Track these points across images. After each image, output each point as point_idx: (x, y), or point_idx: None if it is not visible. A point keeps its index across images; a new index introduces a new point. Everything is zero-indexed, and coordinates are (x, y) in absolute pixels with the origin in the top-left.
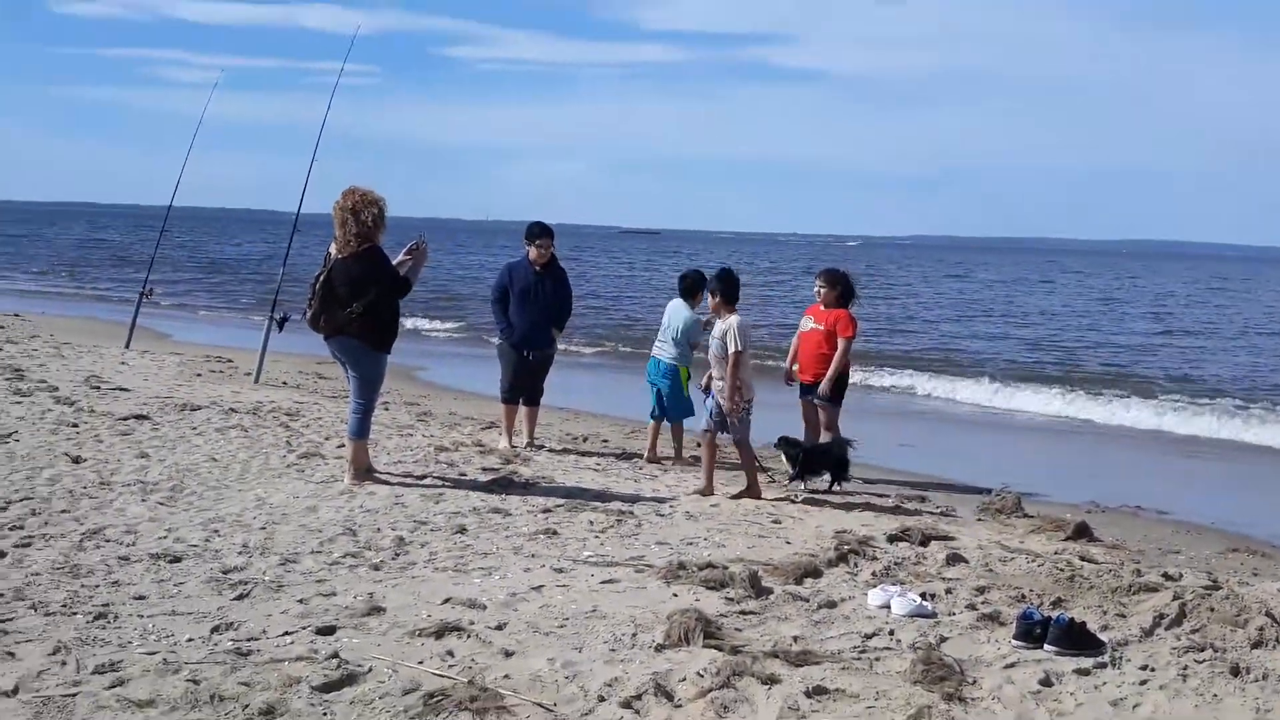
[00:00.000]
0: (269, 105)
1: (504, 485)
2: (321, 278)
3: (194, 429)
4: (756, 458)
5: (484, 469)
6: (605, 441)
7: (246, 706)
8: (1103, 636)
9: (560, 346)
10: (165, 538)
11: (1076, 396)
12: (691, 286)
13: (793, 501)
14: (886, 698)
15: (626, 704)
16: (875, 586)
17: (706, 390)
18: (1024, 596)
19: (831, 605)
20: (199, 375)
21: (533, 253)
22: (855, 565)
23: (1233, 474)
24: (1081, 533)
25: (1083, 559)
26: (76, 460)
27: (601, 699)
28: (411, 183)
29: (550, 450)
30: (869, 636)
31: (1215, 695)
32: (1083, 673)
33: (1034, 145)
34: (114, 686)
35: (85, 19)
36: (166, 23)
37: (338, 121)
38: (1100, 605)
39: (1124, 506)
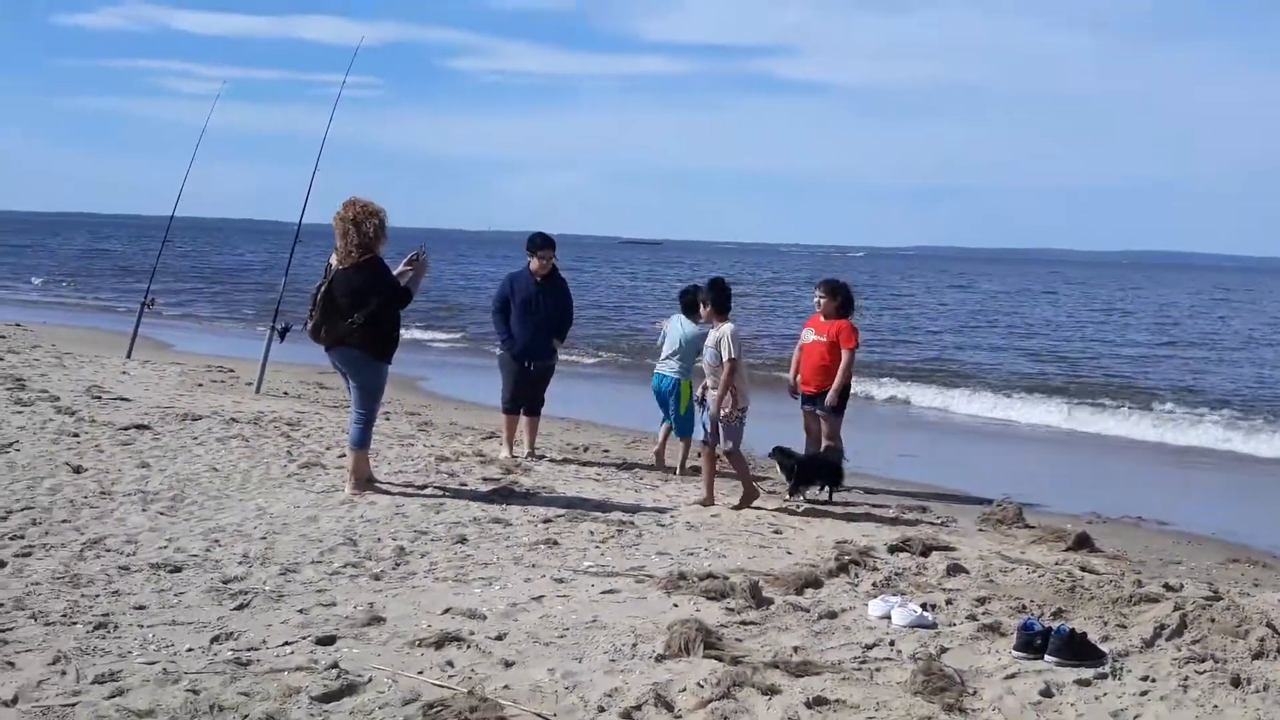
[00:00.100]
0: (271, 116)
1: (505, 495)
2: (322, 288)
3: (195, 439)
4: (748, 463)
5: (485, 479)
6: (606, 452)
7: (246, 716)
8: (1104, 647)
9: (561, 357)
10: (166, 547)
11: (1078, 407)
12: (694, 302)
13: (793, 513)
14: (887, 708)
15: (626, 715)
16: (876, 597)
17: (702, 401)
18: (1025, 607)
19: (832, 616)
20: (200, 385)
21: (534, 264)
22: (856, 576)
23: (1234, 485)
24: (1082, 543)
25: (1084, 569)
26: (77, 470)
27: (601, 709)
28: (413, 193)
29: (551, 460)
30: (870, 647)
31: (1216, 706)
32: (1083, 683)
33: (1038, 157)
34: (114, 696)
35: (88, 30)
36: (169, 34)
37: (340, 132)
38: (1101, 616)
39: (1125, 517)
